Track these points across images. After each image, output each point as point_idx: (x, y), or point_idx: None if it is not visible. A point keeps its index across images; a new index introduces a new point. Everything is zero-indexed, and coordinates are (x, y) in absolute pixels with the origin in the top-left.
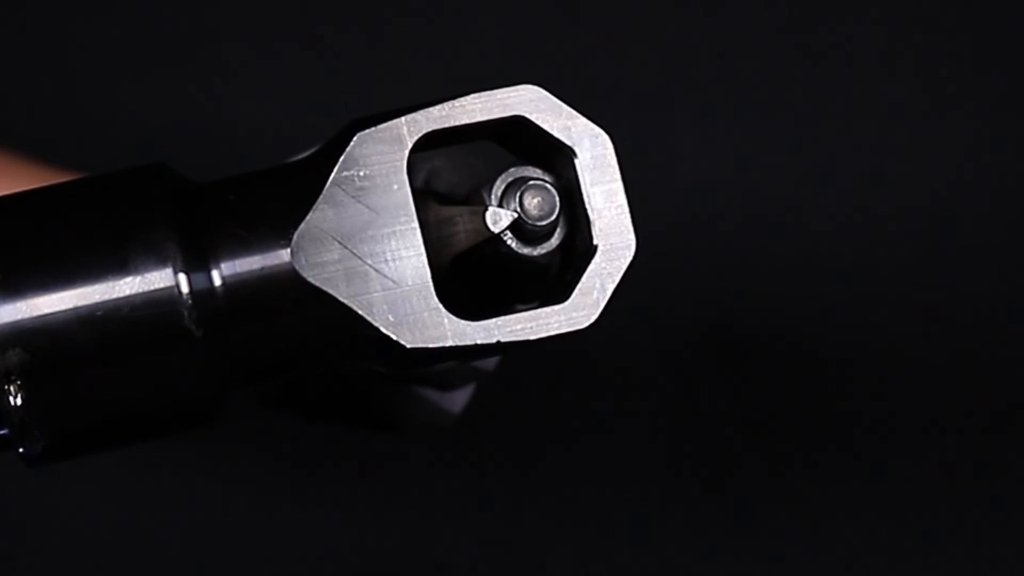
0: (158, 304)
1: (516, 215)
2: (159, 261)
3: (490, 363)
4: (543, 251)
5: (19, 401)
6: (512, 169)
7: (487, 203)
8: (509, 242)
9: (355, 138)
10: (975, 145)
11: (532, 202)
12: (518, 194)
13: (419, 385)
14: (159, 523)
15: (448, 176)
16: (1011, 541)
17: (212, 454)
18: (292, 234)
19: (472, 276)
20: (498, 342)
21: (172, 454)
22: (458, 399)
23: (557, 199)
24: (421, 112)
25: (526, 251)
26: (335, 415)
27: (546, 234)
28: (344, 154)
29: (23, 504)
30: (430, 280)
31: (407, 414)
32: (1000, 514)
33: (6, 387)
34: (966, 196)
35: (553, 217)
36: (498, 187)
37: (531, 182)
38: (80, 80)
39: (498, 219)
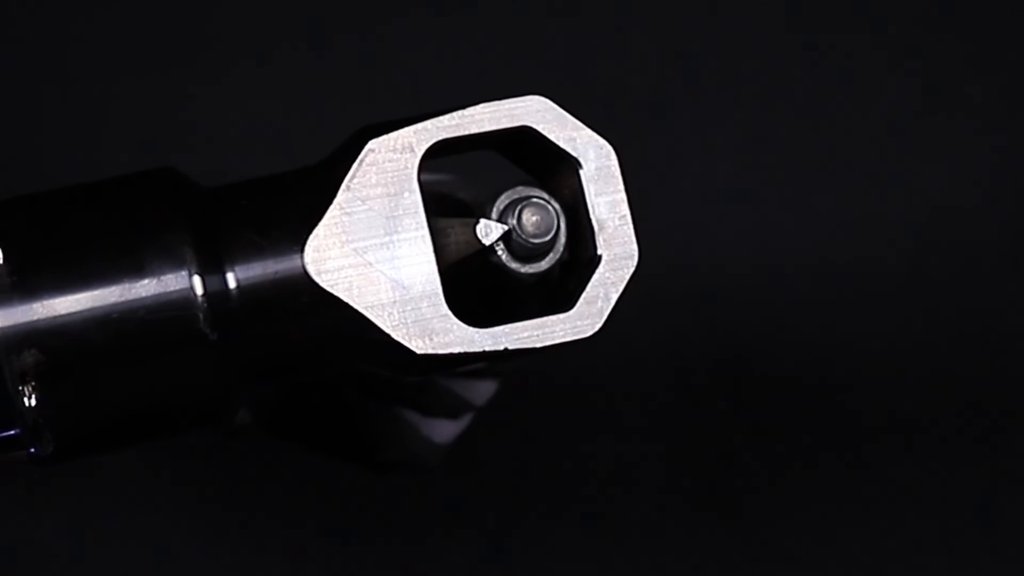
0: (174, 307)
1: (507, 228)
2: (175, 264)
3: (481, 398)
4: (531, 270)
5: (33, 402)
6: (519, 187)
7: (488, 215)
8: (500, 253)
9: (367, 146)
10: (975, 145)
11: (531, 219)
12: (517, 209)
13: (404, 407)
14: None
15: (464, 194)
16: (1012, 542)
17: (205, 470)
18: (305, 239)
19: (468, 285)
20: (505, 349)
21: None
22: (445, 430)
23: (556, 220)
24: (431, 121)
25: (514, 266)
26: (318, 439)
27: (540, 254)
28: (356, 161)
29: None
30: (440, 287)
31: (389, 435)
32: (1002, 516)
33: (21, 388)
34: (966, 197)
35: (548, 237)
36: (502, 201)
37: (533, 199)
38: (80, 80)
39: (489, 231)
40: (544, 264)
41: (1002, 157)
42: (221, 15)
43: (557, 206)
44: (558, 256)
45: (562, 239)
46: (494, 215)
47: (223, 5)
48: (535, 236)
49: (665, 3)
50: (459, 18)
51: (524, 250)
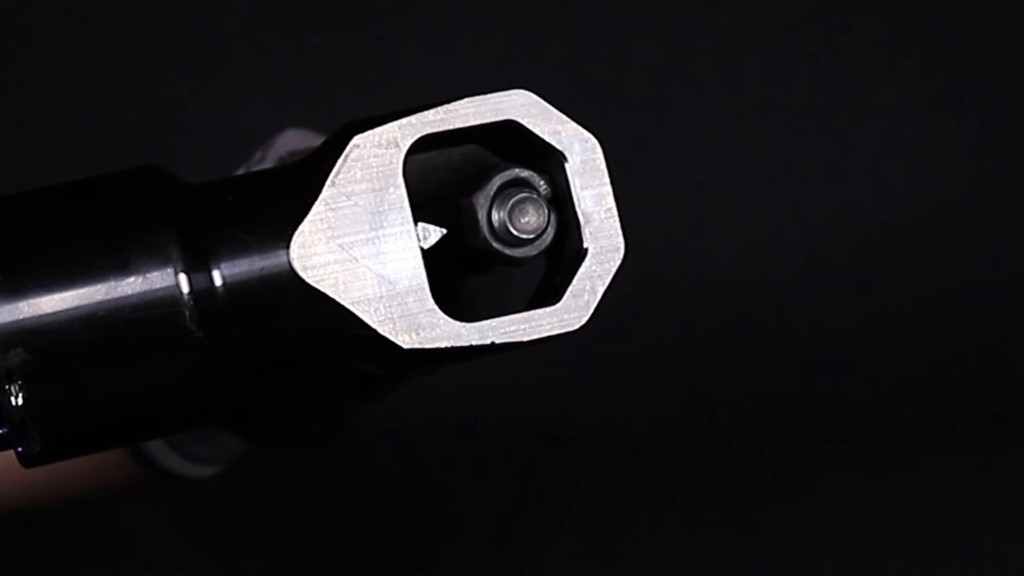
0: (159, 304)
1: (444, 232)
2: (161, 262)
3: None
4: (533, 252)
5: (20, 401)
6: (499, 176)
7: (478, 207)
8: (497, 247)
9: (352, 141)
10: (975, 145)
11: (522, 219)
12: (509, 206)
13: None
14: None
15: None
16: (1012, 542)
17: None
18: (291, 235)
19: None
20: (492, 343)
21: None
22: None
23: (547, 213)
24: (415, 116)
25: (508, 251)
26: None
27: (534, 240)
28: (341, 157)
29: None
30: (426, 281)
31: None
32: (1002, 516)
33: (7, 387)
34: (965, 197)
35: (542, 229)
36: (493, 186)
37: (522, 195)
38: (80, 80)
39: (427, 235)
40: (532, 250)
41: (1002, 157)
42: (221, 17)
43: (541, 187)
44: (549, 240)
45: (551, 229)
46: (484, 201)
47: (223, 6)
48: (526, 232)
49: (665, 3)
50: (459, 19)
51: (512, 238)
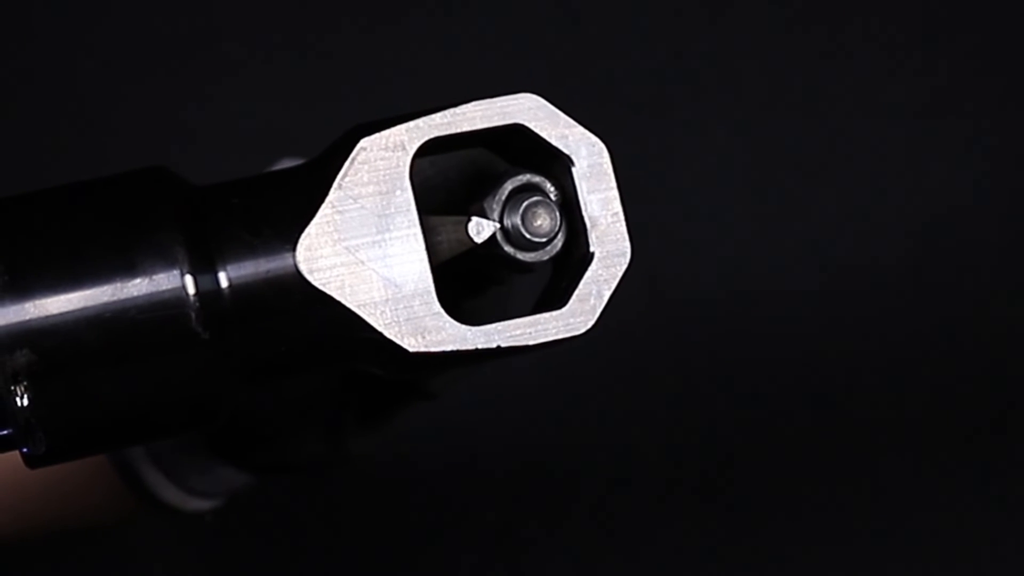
0: (165, 306)
1: (498, 226)
2: (167, 264)
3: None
4: (534, 259)
5: (25, 402)
6: (510, 181)
7: (490, 212)
8: (506, 248)
9: (358, 144)
10: (975, 145)
11: (534, 222)
12: (521, 210)
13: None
14: None
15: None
16: (1011, 542)
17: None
18: (297, 238)
19: (456, 276)
20: (498, 347)
21: None
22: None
23: (559, 220)
24: (423, 119)
25: (521, 256)
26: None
27: (541, 246)
28: (348, 159)
29: None
30: (432, 285)
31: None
32: (1001, 516)
33: (12, 388)
34: (966, 197)
35: (551, 235)
36: (504, 191)
37: (534, 199)
38: (80, 80)
39: (481, 230)
40: (544, 255)
41: (1001, 157)
42: (222, 17)
43: (552, 191)
44: (560, 244)
45: (563, 233)
46: (495, 210)
47: (224, 7)
48: (543, 235)
49: (665, 3)
50: (460, 19)
51: (531, 244)
